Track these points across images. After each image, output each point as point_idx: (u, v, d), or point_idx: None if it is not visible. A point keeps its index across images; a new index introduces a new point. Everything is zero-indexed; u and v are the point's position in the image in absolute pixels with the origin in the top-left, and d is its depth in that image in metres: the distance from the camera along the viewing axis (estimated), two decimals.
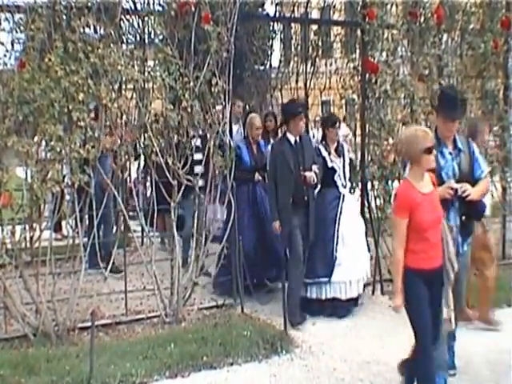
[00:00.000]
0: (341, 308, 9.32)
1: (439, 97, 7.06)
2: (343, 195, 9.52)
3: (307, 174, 9.03)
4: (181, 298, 8.85)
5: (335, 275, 9.22)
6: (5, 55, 7.85)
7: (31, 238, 7.93)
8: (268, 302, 9.69)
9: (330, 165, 9.47)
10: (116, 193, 8.54)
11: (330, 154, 9.52)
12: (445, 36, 11.06)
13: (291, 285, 8.90)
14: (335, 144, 9.60)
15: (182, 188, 8.80)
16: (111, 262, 8.92)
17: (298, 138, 9.21)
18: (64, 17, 7.92)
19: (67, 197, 8.63)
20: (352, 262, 9.33)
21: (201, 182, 9.54)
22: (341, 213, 9.40)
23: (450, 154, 6.73)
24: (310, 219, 9.18)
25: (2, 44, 7.87)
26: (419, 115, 10.42)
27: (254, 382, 7.16)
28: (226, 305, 9.41)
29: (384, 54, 10.46)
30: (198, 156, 9.59)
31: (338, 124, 9.63)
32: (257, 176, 10.28)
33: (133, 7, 8.88)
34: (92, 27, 8.15)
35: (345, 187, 9.64)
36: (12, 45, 7.88)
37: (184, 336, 8.01)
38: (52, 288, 8.10)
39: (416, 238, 5.97)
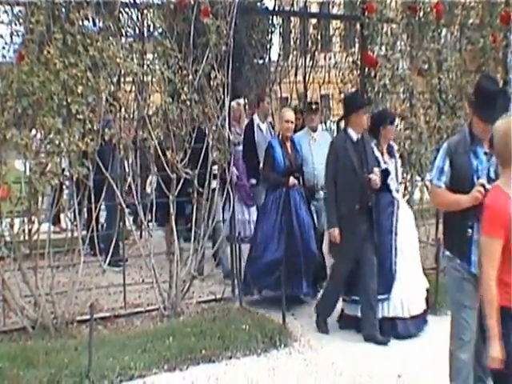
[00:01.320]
0: (403, 327, 8.30)
1: (477, 90, 5.93)
2: (397, 201, 8.62)
3: (372, 176, 8.18)
4: (179, 292, 8.85)
5: (395, 291, 8.30)
6: (4, 48, 7.82)
7: (30, 230, 7.93)
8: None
9: (383, 166, 8.50)
10: (115, 185, 8.52)
11: (382, 154, 8.62)
12: (444, 30, 11.05)
13: (370, 299, 8.20)
14: (387, 144, 8.75)
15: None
16: (110, 254, 8.91)
17: (360, 135, 8.37)
18: (63, 9, 7.90)
19: (66, 190, 8.62)
20: (412, 275, 8.45)
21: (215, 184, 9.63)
22: (397, 220, 8.44)
23: (486, 154, 5.74)
24: (375, 228, 8.30)
25: (1, 37, 7.84)
26: (418, 109, 10.43)
27: (252, 376, 7.15)
28: (225, 298, 9.42)
29: (383, 48, 10.44)
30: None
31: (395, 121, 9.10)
32: (292, 180, 9.27)
33: (132, 0, 8.85)
34: (91, 20, 8.12)
35: (398, 192, 8.86)
36: (11, 37, 7.85)
37: (182, 329, 8.00)
38: (51, 281, 8.10)
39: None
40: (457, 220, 5.78)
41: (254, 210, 11.71)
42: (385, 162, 8.57)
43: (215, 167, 9.19)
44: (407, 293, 8.34)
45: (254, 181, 11.04)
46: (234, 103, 11.20)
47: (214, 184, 9.34)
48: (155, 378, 7.01)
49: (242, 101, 12.79)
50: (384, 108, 9.99)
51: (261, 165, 9.99)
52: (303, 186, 9.59)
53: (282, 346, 7.92)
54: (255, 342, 7.83)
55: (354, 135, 8.29)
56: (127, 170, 8.63)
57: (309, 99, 15.29)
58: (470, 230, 5.67)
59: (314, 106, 10.65)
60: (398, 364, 7.43)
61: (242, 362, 7.50)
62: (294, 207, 9.23)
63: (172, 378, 7.08)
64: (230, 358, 7.56)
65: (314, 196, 9.97)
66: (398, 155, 9.19)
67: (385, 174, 8.44)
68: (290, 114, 9.58)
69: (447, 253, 5.97)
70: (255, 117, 11.51)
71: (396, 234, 8.40)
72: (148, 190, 12.13)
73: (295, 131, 10.29)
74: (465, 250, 5.74)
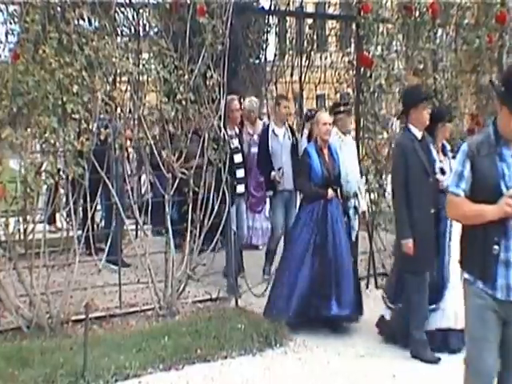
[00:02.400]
0: (455, 340, 7.62)
1: (506, 78, 4.90)
2: None
3: (439, 177, 7.80)
4: (175, 291, 8.85)
5: (448, 300, 7.72)
6: None
7: (25, 230, 7.91)
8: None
9: (439, 166, 7.98)
10: (110, 185, 8.51)
11: (438, 152, 8.10)
12: (440, 31, 11.07)
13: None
14: (440, 143, 8.23)
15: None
16: (107, 252, 8.93)
17: (422, 133, 7.78)
18: (58, 9, 7.89)
19: (61, 189, 8.61)
20: None
21: (241, 188, 9.95)
22: (451, 225, 7.70)
23: None
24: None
25: None
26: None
27: (247, 375, 7.15)
28: (220, 298, 9.42)
29: (379, 48, 10.44)
30: (238, 158, 9.59)
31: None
32: (330, 193, 8.54)
33: (127, 0, 8.85)
34: (87, 19, 8.10)
35: None
36: (6, 36, 7.84)
37: (178, 329, 8.01)
38: (46, 280, 8.08)
39: None
40: (479, 235, 4.83)
41: (258, 216, 12.21)
42: (440, 161, 8.06)
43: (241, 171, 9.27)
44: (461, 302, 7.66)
45: (271, 193, 10.54)
46: (247, 101, 11.40)
47: (241, 188, 9.41)
48: (150, 378, 7.00)
49: (255, 99, 12.51)
50: (444, 104, 9.86)
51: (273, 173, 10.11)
52: (341, 198, 8.85)
53: (278, 345, 7.92)
54: (250, 341, 7.84)
55: (417, 133, 7.69)
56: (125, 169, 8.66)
57: (306, 101, 15.38)
58: (496, 247, 4.73)
59: (344, 108, 9.87)
60: (393, 364, 7.43)
61: (237, 362, 7.50)
62: (331, 222, 8.46)
63: (167, 377, 7.07)
64: (226, 357, 7.55)
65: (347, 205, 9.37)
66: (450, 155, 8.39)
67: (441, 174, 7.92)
68: (326, 116, 8.92)
69: (467, 275, 5.03)
70: (271, 122, 11.01)
71: (450, 239, 7.76)
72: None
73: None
74: (489, 271, 4.78)
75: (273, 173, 10.13)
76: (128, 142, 8.92)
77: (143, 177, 12.22)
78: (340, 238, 8.46)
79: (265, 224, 12.37)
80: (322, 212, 8.47)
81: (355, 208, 9.47)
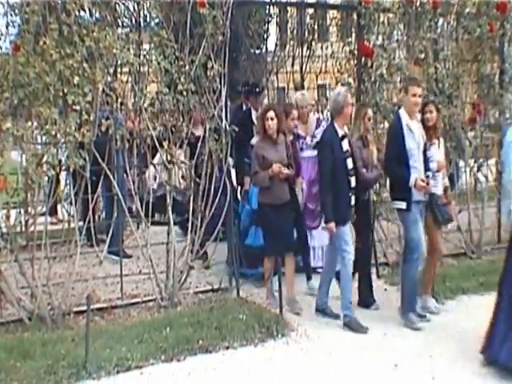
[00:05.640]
0: None
1: None
2: None
3: None
4: (176, 282, 8.86)
5: None
6: None
7: (26, 221, 7.94)
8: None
9: None
10: (112, 176, 8.51)
11: None
12: (441, 20, 11.05)
13: None
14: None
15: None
16: (108, 243, 8.93)
17: None
18: (59, 0, 7.88)
19: (62, 181, 8.61)
20: None
21: None
22: None
23: None
24: None
25: None
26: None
27: (249, 366, 7.15)
28: (222, 289, 9.42)
29: (380, 37, 10.44)
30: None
31: None
32: None
33: None
34: (87, 10, 8.10)
35: None
36: (7, 28, 7.84)
37: (179, 320, 8.02)
38: (47, 272, 8.09)
39: None
40: None
41: (315, 233, 10.27)
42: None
43: None
44: None
45: (403, 205, 8.39)
46: (298, 95, 10.56)
47: None
48: (152, 369, 7.01)
49: (307, 93, 11.42)
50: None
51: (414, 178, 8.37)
52: None
53: (279, 335, 7.92)
54: (252, 332, 7.84)
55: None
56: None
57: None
58: None
59: None
60: (395, 354, 7.43)
61: (239, 352, 7.50)
62: None
63: (169, 368, 7.07)
64: (227, 348, 7.55)
65: None
66: None
67: None
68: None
69: None
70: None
71: None
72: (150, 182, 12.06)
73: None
74: None
75: (414, 176, 8.14)
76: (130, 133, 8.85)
77: (151, 170, 11.98)
78: None
79: (325, 242, 9.77)
80: None
81: None
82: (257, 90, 11.64)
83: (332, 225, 8.10)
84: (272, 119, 8.73)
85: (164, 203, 8.96)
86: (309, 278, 9.72)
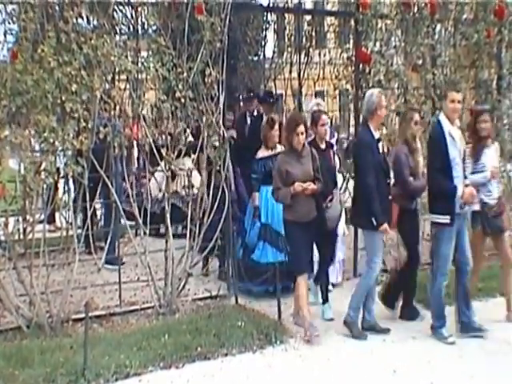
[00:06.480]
0: None
1: None
2: None
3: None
4: (175, 289, 8.85)
5: None
6: None
7: (24, 229, 7.91)
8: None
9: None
10: (110, 184, 8.51)
11: None
12: (438, 26, 11.07)
13: None
14: None
15: None
16: (106, 252, 8.93)
17: None
18: (57, 7, 7.91)
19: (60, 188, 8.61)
20: None
21: None
22: None
23: None
24: None
25: None
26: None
27: (248, 373, 7.15)
28: (220, 295, 9.41)
29: (377, 44, 10.47)
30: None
31: None
32: None
33: None
34: (85, 18, 8.11)
35: None
36: (5, 36, 7.84)
37: (178, 327, 8.02)
38: (46, 280, 8.08)
39: None
40: None
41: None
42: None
43: None
44: None
45: (447, 218, 8.06)
46: (313, 104, 10.14)
47: None
48: (151, 376, 7.01)
49: (322, 101, 11.09)
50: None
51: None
52: None
53: (278, 342, 7.92)
54: (251, 338, 7.84)
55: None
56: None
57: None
58: None
59: None
60: (394, 359, 7.44)
61: (237, 359, 7.50)
62: None
63: (168, 375, 7.07)
64: (226, 355, 7.56)
65: None
66: None
67: None
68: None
69: None
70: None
71: None
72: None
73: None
74: None
75: (464, 190, 7.89)
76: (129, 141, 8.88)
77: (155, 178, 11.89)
78: None
79: (341, 255, 9.94)
80: None
81: None
82: (271, 99, 11.64)
83: (386, 226, 7.90)
84: (302, 134, 8.17)
85: (170, 214, 8.89)
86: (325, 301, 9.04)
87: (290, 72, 15.61)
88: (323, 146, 8.92)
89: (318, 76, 15.51)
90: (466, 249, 8.09)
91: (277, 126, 9.60)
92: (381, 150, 8.23)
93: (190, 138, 9.23)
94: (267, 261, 9.36)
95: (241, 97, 14.71)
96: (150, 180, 8.87)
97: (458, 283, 8.13)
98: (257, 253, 9.59)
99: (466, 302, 8.15)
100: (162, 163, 8.97)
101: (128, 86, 8.69)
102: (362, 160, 8.09)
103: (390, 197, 8.17)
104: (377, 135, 8.19)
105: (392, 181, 8.35)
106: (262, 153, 9.64)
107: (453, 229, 7.88)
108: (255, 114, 12.37)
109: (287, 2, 15.48)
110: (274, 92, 14.24)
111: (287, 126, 8.45)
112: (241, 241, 9.90)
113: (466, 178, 8.09)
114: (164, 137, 8.81)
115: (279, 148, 9.44)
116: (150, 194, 8.96)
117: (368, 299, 8.31)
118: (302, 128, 8.15)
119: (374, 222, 7.90)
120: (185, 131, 8.92)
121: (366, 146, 8.05)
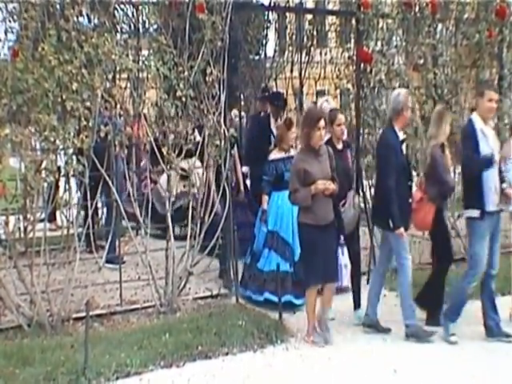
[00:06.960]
0: None
1: None
2: None
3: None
4: (175, 288, 8.84)
5: None
6: None
7: (25, 228, 7.91)
8: None
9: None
10: (110, 182, 8.51)
11: None
12: (439, 26, 11.07)
13: None
14: None
15: None
16: (107, 251, 8.92)
17: None
18: (57, 6, 7.90)
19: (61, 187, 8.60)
20: None
21: None
22: None
23: None
24: None
25: None
26: (414, 104, 10.38)
27: (249, 372, 7.14)
28: (221, 294, 9.42)
29: (379, 43, 10.47)
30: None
31: None
32: None
33: None
34: (86, 16, 8.11)
35: None
36: (5, 34, 7.85)
37: (179, 326, 8.01)
38: (46, 278, 8.08)
39: None
40: None
41: (341, 250, 9.30)
42: None
43: None
44: None
45: (477, 213, 7.97)
46: (322, 101, 9.99)
47: None
48: (152, 375, 7.00)
49: (331, 99, 10.56)
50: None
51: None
52: None
53: (279, 341, 7.91)
54: (252, 338, 7.84)
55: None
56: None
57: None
58: None
59: None
60: (394, 359, 7.43)
61: (238, 358, 7.49)
62: None
63: (168, 374, 7.06)
64: (227, 354, 7.54)
65: None
66: None
67: None
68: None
69: None
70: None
71: None
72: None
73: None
74: None
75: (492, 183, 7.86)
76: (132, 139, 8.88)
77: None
78: None
79: (344, 260, 9.47)
80: None
81: None
82: (279, 103, 11.57)
83: (402, 230, 7.82)
84: (324, 128, 7.79)
85: (183, 215, 8.85)
86: (357, 307, 8.81)
87: (291, 71, 15.63)
88: (340, 146, 8.62)
89: (319, 75, 15.51)
90: (496, 251, 8.01)
91: (294, 128, 9.35)
92: (404, 153, 8.14)
93: (199, 138, 9.13)
94: (270, 269, 9.14)
95: (256, 96, 14.70)
96: (169, 177, 8.74)
97: (484, 286, 8.06)
98: (261, 261, 9.33)
99: (492, 305, 8.07)
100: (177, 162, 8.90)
101: (129, 85, 8.68)
102: (385, 161, 7.99)
103: (410, 200, 8.09)
104: (401, 136, 8.09)
105: (414, 182, 8.34)
106: (275, 154, 9.40)
107: (485, 225, 7.76)
108: (262, 114, 12.34)
109: (288, 1, 15.48)
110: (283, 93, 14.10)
111: (306, 121, 7.93)
112: (250, 247, 9.68)
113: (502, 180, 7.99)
114: (173, 136, 8.77)
115: (293, 152, 9.16)
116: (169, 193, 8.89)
117: (374, 294, 8.34)
118: (323, 122, 7.76)
119: (391, 225, 7.86)
120: (193, 131, 8.92)
121: (391, 147, 7.95)
